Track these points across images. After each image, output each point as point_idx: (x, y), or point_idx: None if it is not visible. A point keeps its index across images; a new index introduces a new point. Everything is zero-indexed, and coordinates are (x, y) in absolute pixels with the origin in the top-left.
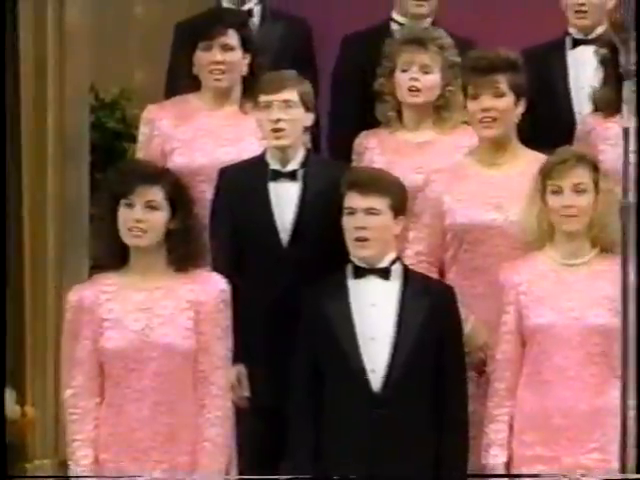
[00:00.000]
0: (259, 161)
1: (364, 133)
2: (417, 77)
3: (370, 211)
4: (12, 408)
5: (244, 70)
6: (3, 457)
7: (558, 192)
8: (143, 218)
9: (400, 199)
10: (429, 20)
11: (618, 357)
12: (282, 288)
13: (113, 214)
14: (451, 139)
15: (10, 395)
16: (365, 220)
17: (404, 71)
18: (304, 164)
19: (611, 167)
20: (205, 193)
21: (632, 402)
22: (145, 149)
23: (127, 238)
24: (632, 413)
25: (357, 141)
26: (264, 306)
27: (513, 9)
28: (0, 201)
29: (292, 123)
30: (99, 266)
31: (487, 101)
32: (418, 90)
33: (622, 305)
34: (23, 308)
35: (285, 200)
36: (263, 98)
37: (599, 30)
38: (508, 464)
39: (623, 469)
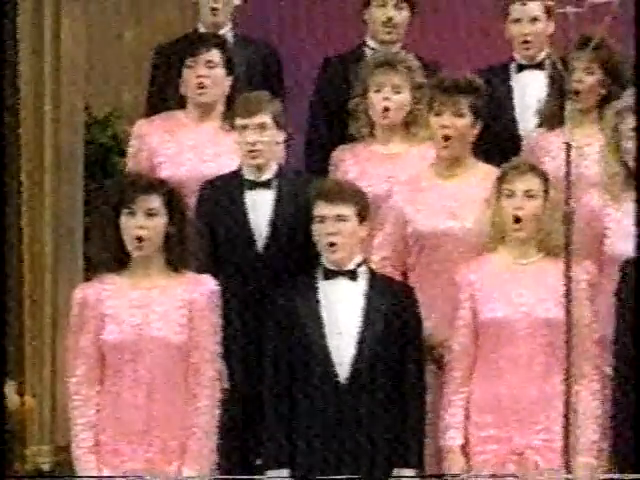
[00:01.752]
0: (235, 174)
1: (340, 147)
2: (389, 97)
3: (339, 218)
4: (12, 398)
5: (226, 90)
6: (2, 444)
7: (511, 195)
8: (144, 224)
9: (364, 206)
10: (398, 45)
11: (563, 347)
12: (257, 289)
13: (115, 223)
14: (418, 152)
15: (11, 386)
16: (335, 226)
17: (377, 91)
18: (277, 175)
19: (553, 177)
20: (189, 205)
21: (576, 388)
22: (134, 161)
23: (131, 247)
24: (574, 398)
25: (334, 154)
26: (239, 307)
27: (473, 35)
28: (1, 208)
29: (267, 144)
30: (94, 267)
31: (448, 119)
32: (389, 108)
33: (566, 301)
34: (22, 307)
35: (260, 207)
36: (239, 121)
37: (542, 55)
38: (464, 445)
39: (566, 448)
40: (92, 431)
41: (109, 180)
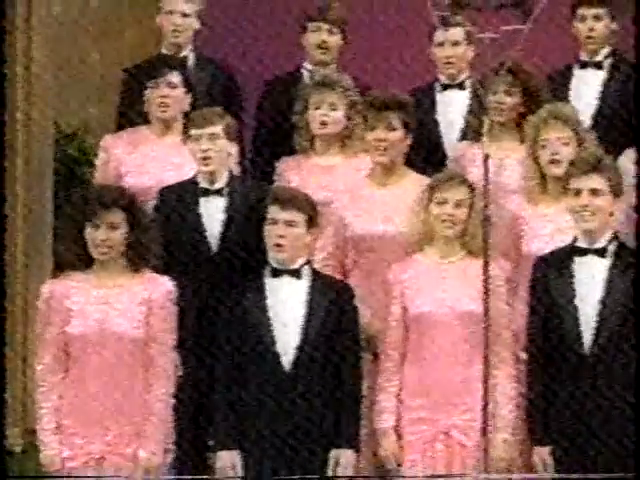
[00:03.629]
0: (191, 182)
1: (284, 158)
2: (326, 113)
3: (289, 223)
4: None
5: (186, 107)
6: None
7: (443, 203)
8: (107, 237)
9: (313, 215)
10: (333, 66)
11: (483, 337)
12: (211, 287)
13: (80, 231)
14: (353, 163)
15: None
16: (284, 230)
17: (316, 108)
18: (229, 184)
19: (476, 186)
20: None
21: (494, 372)
22: (102, 172)
23: (95, 254)
24: (492, 382)
25: (278, 165)
26: (194, 303)
27: (402, 57)
28: None
29: (218, 152)
30: (62, 267)
31: (381, 133)
32: (327, 124)
33: (484, 295)
34: None
35: (213, 213)
36: (194, 131)
37: (463, 76)
38: (396, 427)
39: (484, 428)
40: (56, 415)
41: (77, 189)
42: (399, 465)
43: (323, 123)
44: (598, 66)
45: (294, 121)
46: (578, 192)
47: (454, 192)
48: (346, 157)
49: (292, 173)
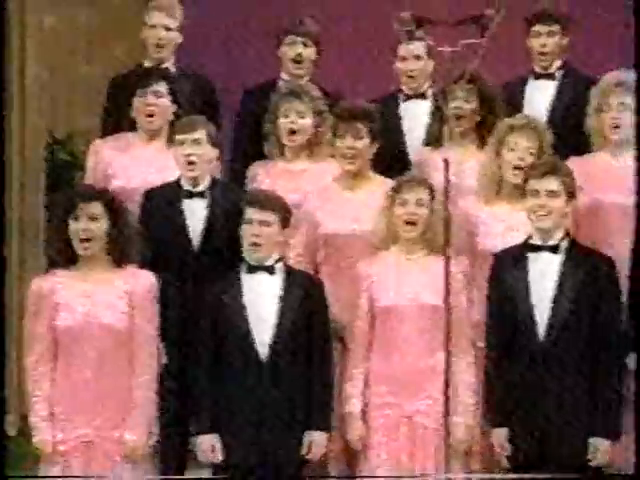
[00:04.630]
0: (175, 184)
1: (255, 164)
2: (294, 121)
3: (263, 223)
4: None
5: (171, 115)
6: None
7: (404, 204)
8: (87, 227)
9: (286, 216)
10: (307, 78)
11: (443, 328)
12: (192, 282)
13: (64, 226)
14: (320, 167)
15: None
16: (259, 229)
17: (285, 117)
18: (210, 187)
19: (437, 189)
20: (138, 210)
21: (454, 360)
22: (92, 174)
23: (78, 248)
24: (453, 369)
25: (250, 170)
26: (177, 297)
27: (369, 70)
28: None
29: (200, 157)
30: (54, 264)
31: (350, 141)
32: (295, 131)
33: (445, 289)
34: None
35: (195, 214)
36: (178, 137)
37: (424, 87)
38: (363, 411)
39: (446, 410)
40: (47, 402)
41: (59, 192)
42: (365, 448)
43: (291, 130)
44: (550, 77)
45: (265, 129)
46: (536, 193)
47: (414, 193)
48: (313, 162)
49: (263, 177)
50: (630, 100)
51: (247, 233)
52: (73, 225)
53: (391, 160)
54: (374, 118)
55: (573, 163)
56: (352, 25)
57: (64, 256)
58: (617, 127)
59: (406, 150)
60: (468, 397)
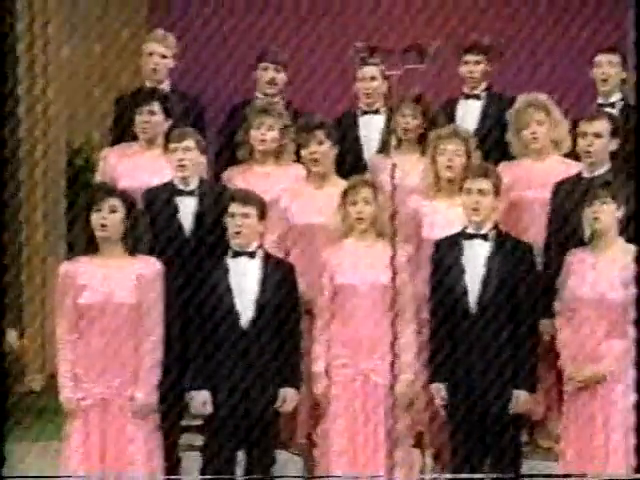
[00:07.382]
0: (170, 184)
1: (230, 168)
2: (264, 132)
3: (245, 215)
4: (14, 342)
5: (163, 129)
6: (4, 374)
7: (354, 203)
8: (107, 217)
9: (263, 210)
10: (278, 98)
11: (391, 302)
12: (186, 266)
13: (87, 219)
14: (285, 171)
15: (12, 332)
16: (241, 221)
17: (257, 129)
18: (199, 186)
19: (387, 188)
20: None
21: (400, 328)
22: (102, 176)
23: (97, 232)
24: (399, 335)
25: (225, 173)
26: (173, 281)
27: (333, 87)
28: (1, 212)
29: (190, 161)
30: (74, 250)
31: (313, 147)
32: (265, 141)
33: (391, 270)
34: (20, 278)
35: (187, 209)
36: (171, 145)
37: (378, 104)
38: (327, 370)
39: (392, 370)
40: (71, 366)
41: (84, 192)
42: (328, 402)
43: (262, 140)
44: (477, 98)
45: (238, 138)
46: (469, 191)
47: (361, 193)
48: (279, 166)
49: (237, 179)
50: (542, 116)
51: (231, 224)
52: (95, 216)
53: (350, 165)
54: (330, 126)
55: (503, 167)
56: (319, 52)
57: (86, 243)
58: (535, 138)
59: (363, 157)
60: (411, 358)
